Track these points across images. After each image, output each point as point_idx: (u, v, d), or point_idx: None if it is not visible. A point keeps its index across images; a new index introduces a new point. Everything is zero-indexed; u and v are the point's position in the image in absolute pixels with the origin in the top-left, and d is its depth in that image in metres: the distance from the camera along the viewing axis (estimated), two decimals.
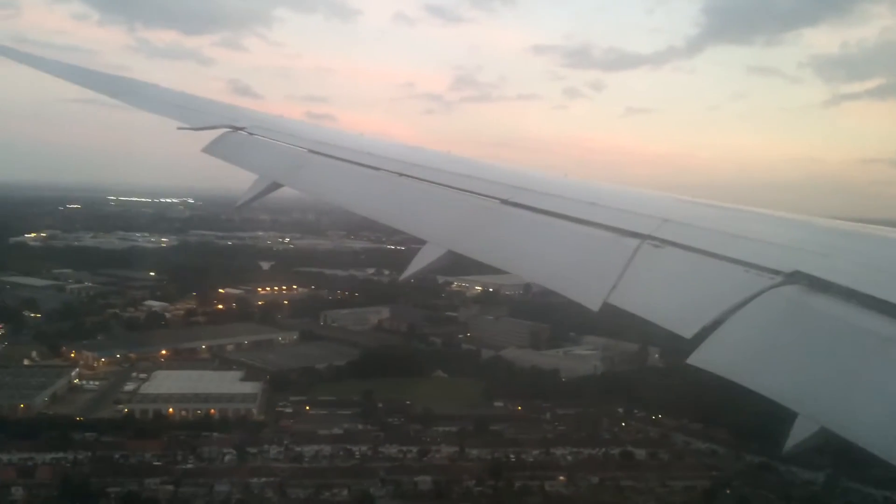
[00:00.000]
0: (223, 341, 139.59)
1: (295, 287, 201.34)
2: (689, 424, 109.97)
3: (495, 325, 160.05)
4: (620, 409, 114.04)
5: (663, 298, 5.22)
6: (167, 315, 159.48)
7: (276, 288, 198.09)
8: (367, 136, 11.81)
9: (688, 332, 4.64)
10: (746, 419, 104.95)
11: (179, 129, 11.59)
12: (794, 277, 4.68)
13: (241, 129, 11.29)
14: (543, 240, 6.55)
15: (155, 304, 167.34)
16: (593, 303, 5.35)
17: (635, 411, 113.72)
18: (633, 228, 5.91)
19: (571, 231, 6.34)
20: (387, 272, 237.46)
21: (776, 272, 4.78)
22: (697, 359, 4.45)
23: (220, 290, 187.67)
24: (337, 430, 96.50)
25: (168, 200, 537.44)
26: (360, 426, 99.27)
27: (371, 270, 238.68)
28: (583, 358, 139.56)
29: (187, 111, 12.65)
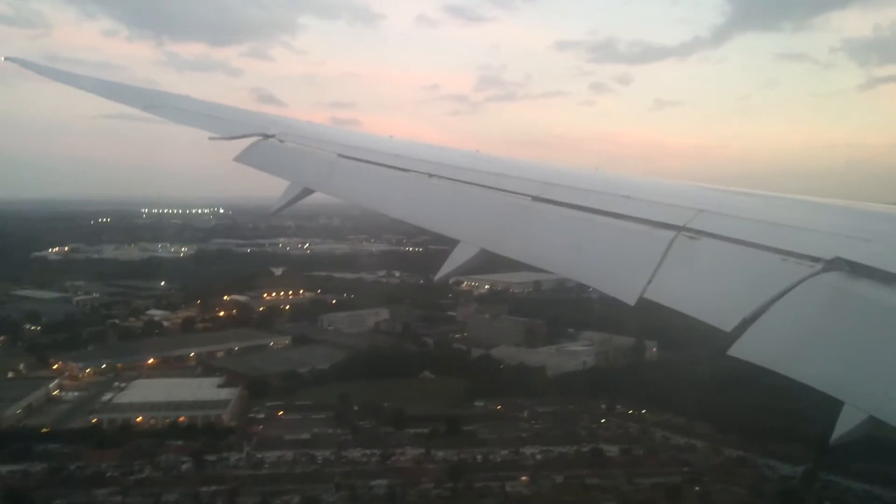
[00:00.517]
0: (214, 348, 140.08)
1: (301, 291, 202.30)
2: (673, 419, 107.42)
3: (491, 323, 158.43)
4: (603, 405, 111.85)
5: (700, 291, 5.12)
6: (165, 324, 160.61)
7: (281, 293, 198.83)
8: (395, 138, 11.85)
9: (727, 326, 4.56)
10: (731, 413, 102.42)
11: (211, 139, 11.60)
12: (835, 264, 4.60)
13: (272, 136, 11.33)
14: (577, 235, 6.49)
15: (156, 313, 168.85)
16: (629, 297, 5.31)
17: (618, 407, 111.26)
18: (667, 220, 5.83)
19: (605, 225, 6.28)
20: (397, 274, 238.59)
21: (816, 259, 4.71)
22: (739, 350, 4.39)
23: (225, 297, 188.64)
24: (304, 435, 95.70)
25: (198, 211, 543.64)
26: (329, 430, 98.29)
27: (382, 273, 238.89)
28: (574, 354, 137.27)
29: (217, 121, 12.70)
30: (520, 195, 7.33)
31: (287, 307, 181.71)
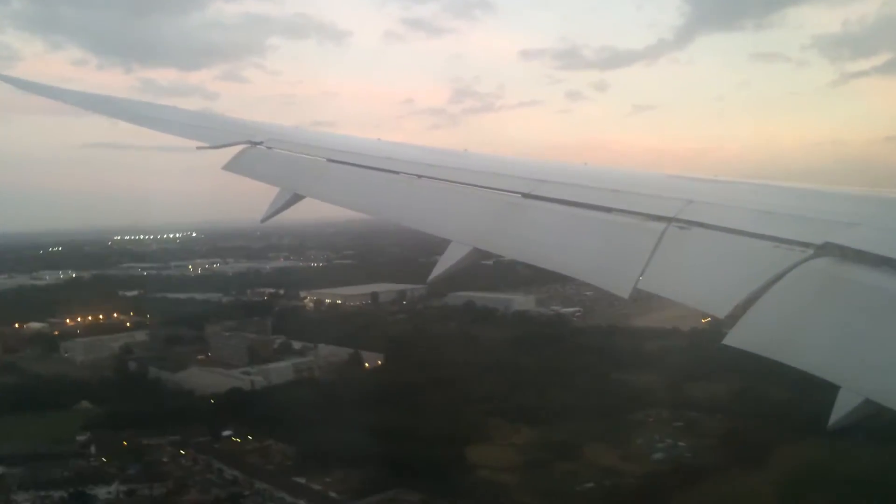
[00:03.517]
0: None
1: (115, 315, 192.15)
2: (275, 444, 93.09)
3: (228, 341, 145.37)
4: (218, 431, 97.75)
5: (692, 280, 5.18)
6: None
7: (89, 317, 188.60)
8: (384, 140, 11.50)
9: (721, 312, 4.59)
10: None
11: (199, 148, 11.24)
12: (826, 249, 4.65)
13: (259, 143, 11.02)
14: (568, 230, 6.51)
15: None
16: (622, 290, 5.36)
17: (224, 433, 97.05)
18: (657, 212, 5.85)
19: (595, 220, 6.29)
20: (248, 291, 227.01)
21: (807, 244, 4.74)
22: (734, 339, 4.42)
23: (17, 325, 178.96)
24: None
25: (169, 235, 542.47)
26: None
27: (234, 291, 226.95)
28: (269, 372, 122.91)
29: (205, 130, 12.26)
30: (510, 193, 7.29)
31: (56, 332, 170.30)
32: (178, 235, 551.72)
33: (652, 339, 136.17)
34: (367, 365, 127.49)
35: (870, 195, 6.20)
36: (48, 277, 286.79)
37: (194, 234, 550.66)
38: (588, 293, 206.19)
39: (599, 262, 5.79)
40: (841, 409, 3.84)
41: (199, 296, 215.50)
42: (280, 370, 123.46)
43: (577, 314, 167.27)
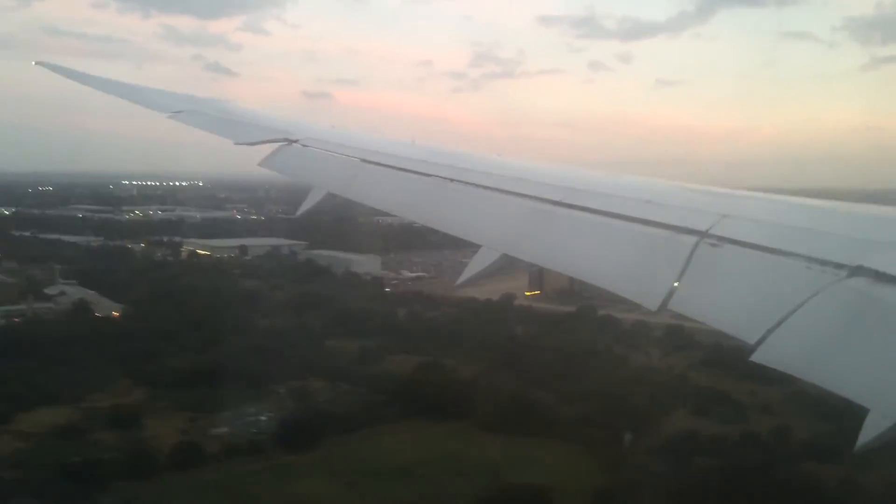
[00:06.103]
0: None
1: None
2: None
3: None
4: None
5: (723, 303, 5.06)
6: None
7: None
8: (417, 143, 11.57)
9: (751, 338, 4.49)
10: None
11: (237, 144, 11.53)
12: (859, 271, 4.52)
13: (295, 141, 11.17)
14: (598, 240, 6.41)
15: None
16: (651, 303, 5.24)
17: None
18: (690, 225, 5.74)
19: (626, 230, 6.16)
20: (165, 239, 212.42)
21: (840, 266, 4.61)
22: (762, 356, 4.32)
23: None
24: None
25: (176, 183, 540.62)
26: None
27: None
28: None
29: (242, 126, 12.81)
30: (541, 200, 7.18)
31: None
32: (184, 183, 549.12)
33: (443, 308, 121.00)
34: (97, 315, 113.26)
35: None
36: None
37: (200, 184, 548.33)
38: (465, 260, 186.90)
39: (630, 273, 5.67)
40: (868, 432, 3.70)
41: (68, 238, 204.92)
42: None
43: (410, 280, 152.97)
